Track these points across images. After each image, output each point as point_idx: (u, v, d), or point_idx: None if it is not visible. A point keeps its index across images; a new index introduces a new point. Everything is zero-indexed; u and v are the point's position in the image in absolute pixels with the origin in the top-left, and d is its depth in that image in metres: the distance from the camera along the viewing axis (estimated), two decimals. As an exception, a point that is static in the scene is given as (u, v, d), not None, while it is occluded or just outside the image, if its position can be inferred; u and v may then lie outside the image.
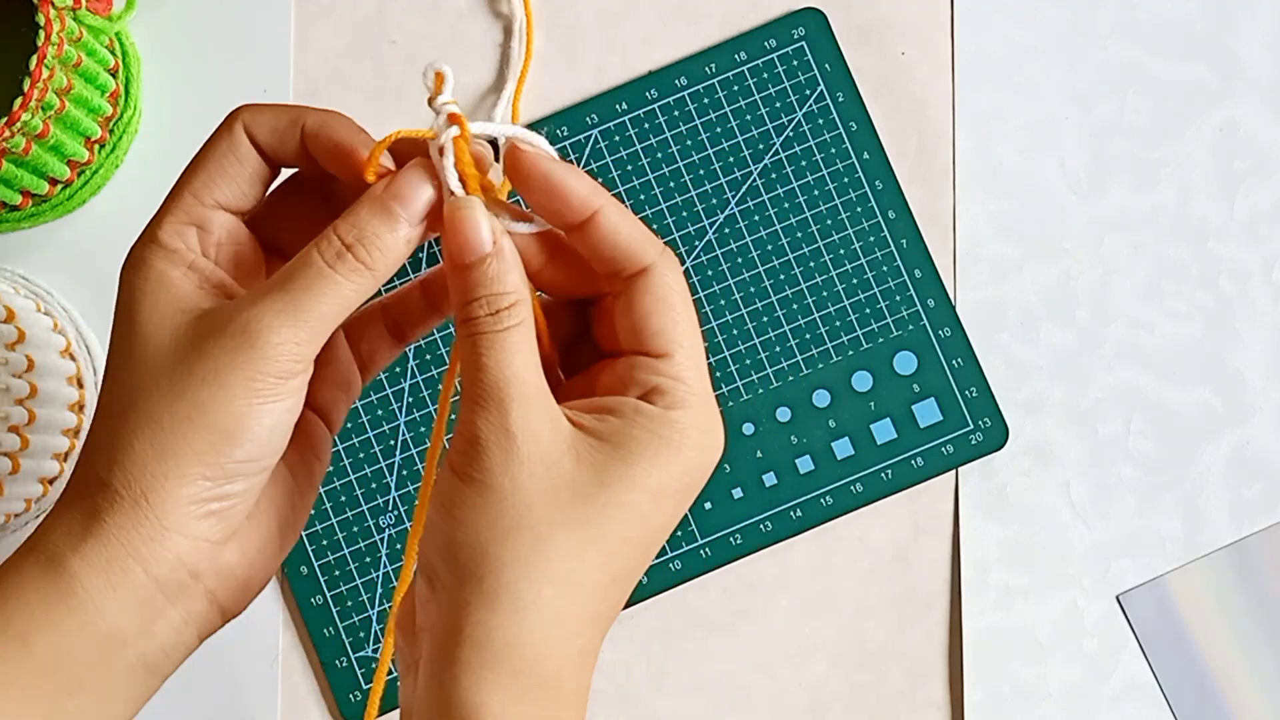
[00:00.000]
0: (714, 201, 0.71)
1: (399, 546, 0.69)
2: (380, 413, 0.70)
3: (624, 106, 0.71)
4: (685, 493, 0.48)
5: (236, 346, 0.47)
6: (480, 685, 0.46)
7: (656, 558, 0.69)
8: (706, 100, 0.71)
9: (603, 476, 0.47)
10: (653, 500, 0.47)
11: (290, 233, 0.53)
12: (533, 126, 0.71)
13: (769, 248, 0.71)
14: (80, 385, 0.68)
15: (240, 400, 0.47)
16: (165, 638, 0.49)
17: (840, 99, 0.72)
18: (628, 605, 0.69)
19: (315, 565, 0.69)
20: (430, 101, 0.49)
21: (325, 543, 0.69)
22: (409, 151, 0.50)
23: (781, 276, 0.71)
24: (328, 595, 0.69)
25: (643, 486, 0.47)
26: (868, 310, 0.71)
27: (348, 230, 0.48)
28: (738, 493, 0.69)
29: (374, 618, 0.69)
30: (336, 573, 0.69)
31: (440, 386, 0.70)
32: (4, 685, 0.47)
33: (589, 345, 0.52)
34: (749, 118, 0.71)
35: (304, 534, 0.69)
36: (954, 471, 0.70)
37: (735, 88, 0.71)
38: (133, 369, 0.48)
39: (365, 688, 0.68)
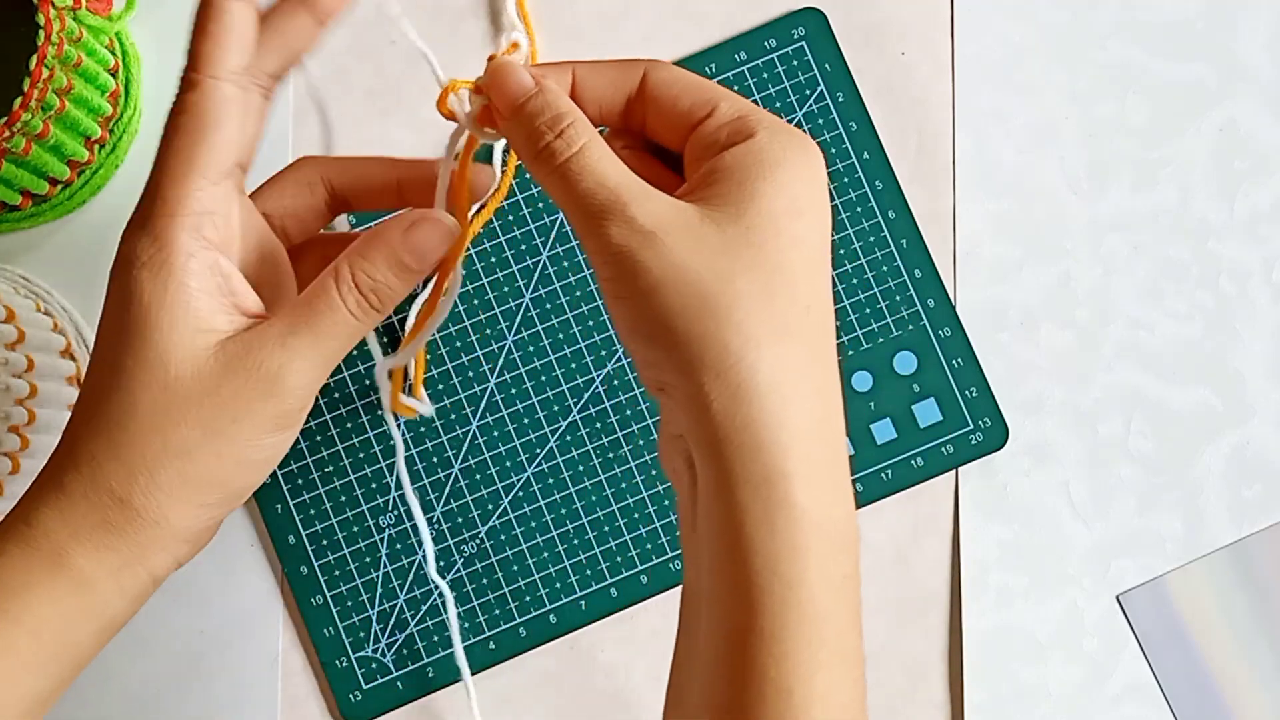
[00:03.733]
0: (714, 201, 0.71)
1: (399, 546, 0.69)
2: (380, 413, 0.70)
3: (624, 106, 0.71)
4: (817, 198, 0.49)
5: (268, 391, 0.50)
6: (743, 444, 0.47)
7: (657, 557, 0.69)
8: (706, 100, 0.71)
9: (744, 223, 0.48)
10: (794, 219, 0.48)
11: (281, 210, 0.56)
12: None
13: (769, 248, 0.71)
14: (80, 385, 0.68)
15: (267, 436, 0.50)
16: (139, 603, 0.52)
17: (840, 99, 0.72)
18: (631, 604, 0.69)
19: (315, 565, 0.69)
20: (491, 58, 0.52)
21: (325, 543, 0.69)
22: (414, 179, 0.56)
23: (781, 276, 0.71)
24: (328, 595, 0.69)
25: (779, 212, 0.48)
26: (868, 310, 0.71)
27: (364, 281, 0.51)
28: (738, 493, 0.69)
29: (374, 618, 0.69)
30: (336, 573, 0.69)
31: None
32: (21, 672, 0.49)
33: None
34: (749, 118, 0.71)
35: (304, 534, 0.69)
36: (954, 471, 0.70)
37: (735, 88, 0.71)
38: (152, 391, 0.50)
39: (365, 688, 0.68)
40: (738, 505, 0.47)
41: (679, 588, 0.70)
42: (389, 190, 0.56)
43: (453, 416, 0.70)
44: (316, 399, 0.69)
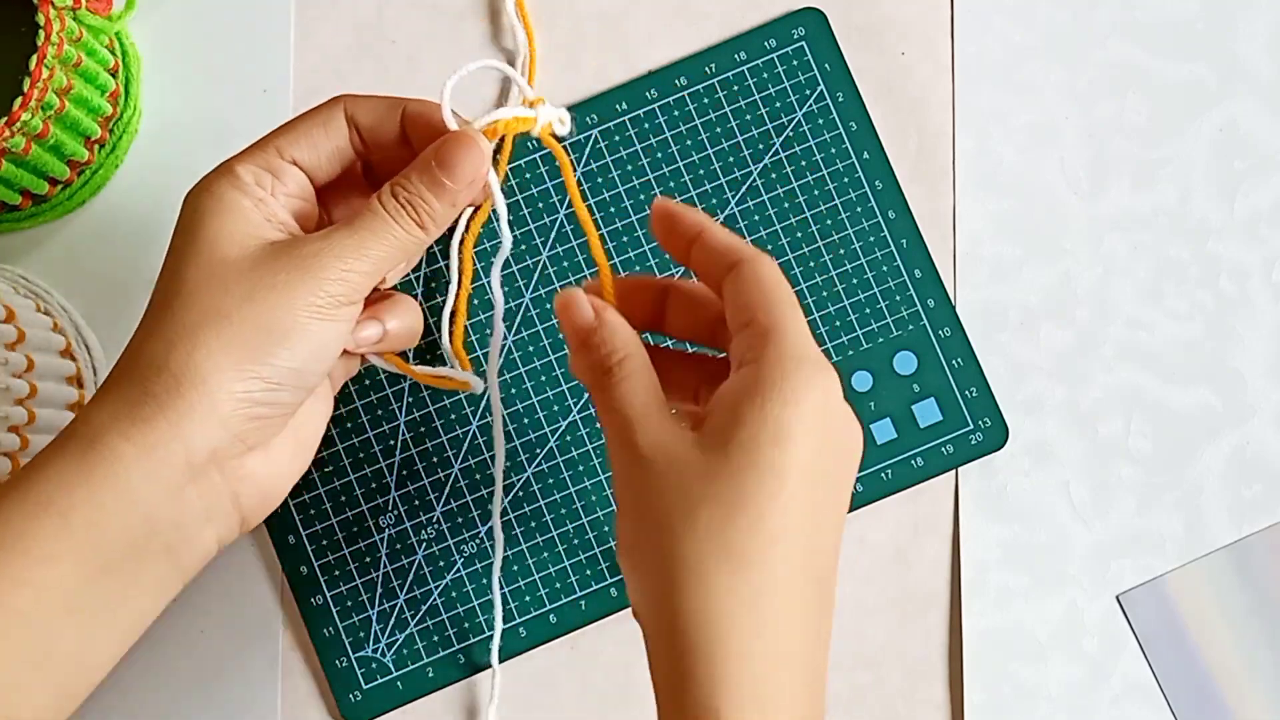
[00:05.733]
0: (714, 201, 0.71)
1: (399, 546, 0.69)
2: (380, 413, 0.70)
3: (624, 106, 0.71)
4: (809, 425, 0.50)
5: (306, 268, 0.53)
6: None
7: (656, 558, 0.69)
8: (706, 100, 0.71)
9: (724, 451, 0.49)
10: (774, 448, 0.49)
11: (344, 208, 0.60)
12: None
13: (769, 248, 0.71)
14: (80, 385, 0.68)
15: (303, 312, 0.53)
16: (190, 530, 0.53)
17: (840, 99, 0.72)
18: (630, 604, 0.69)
19: (315, 565, 0.69)
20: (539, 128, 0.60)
21: (325, 543, 0.69)
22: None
23: (781, 276, 0.71)
24: (328, 595, 0.69)
25: (761, 441, 0.49)
26: (868, 310, 0.71)
27: (401, 192, 0.55)
28: (738, 493, 0.69)
29: (374, 618, 0.69)
30: (336, 573, 0.69)
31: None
32: (49, 561, 0.50)
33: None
34: (749, 118, 0.71)
35: (304, 534, 0.69)
36: (954, 471, 0.70)
37: (735, 88, 0.71)
38: (199, 268, 0.53)
39: (365, 688, 0.68)
40: None
41: (679, 588, 0.70)
42: (399, 133, 0.58)
43: (452, 416, 0.70)
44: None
